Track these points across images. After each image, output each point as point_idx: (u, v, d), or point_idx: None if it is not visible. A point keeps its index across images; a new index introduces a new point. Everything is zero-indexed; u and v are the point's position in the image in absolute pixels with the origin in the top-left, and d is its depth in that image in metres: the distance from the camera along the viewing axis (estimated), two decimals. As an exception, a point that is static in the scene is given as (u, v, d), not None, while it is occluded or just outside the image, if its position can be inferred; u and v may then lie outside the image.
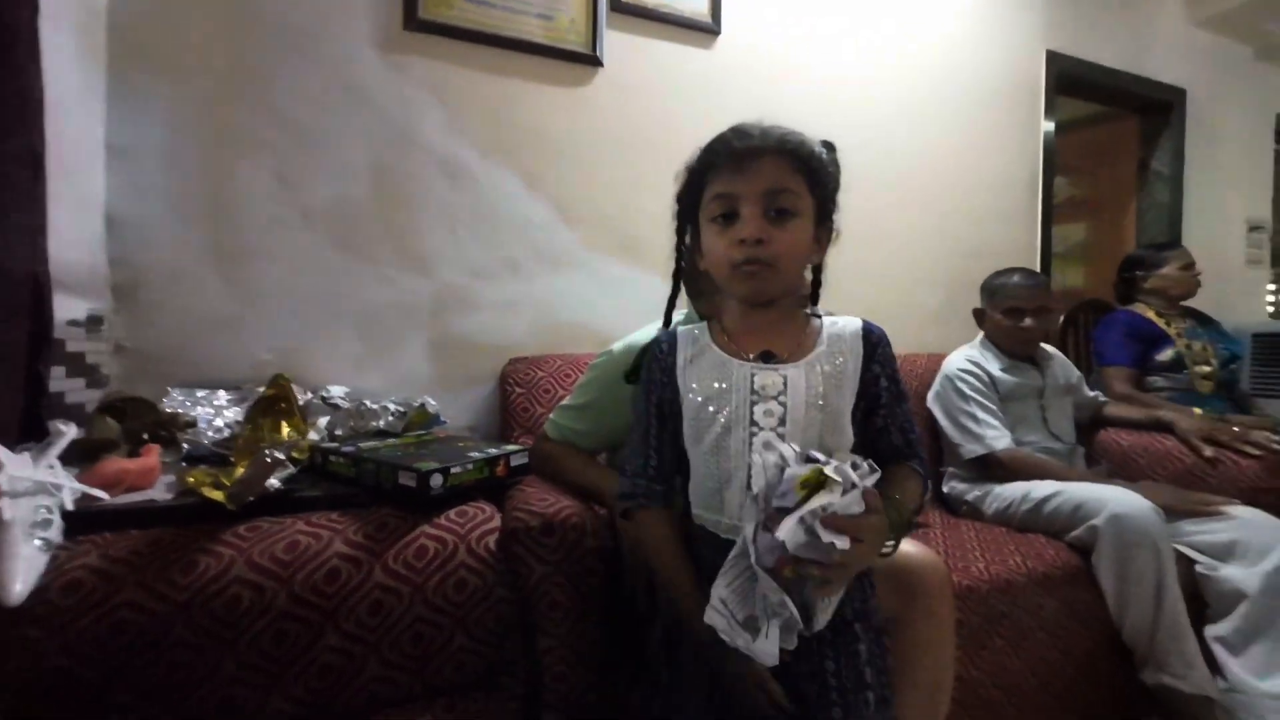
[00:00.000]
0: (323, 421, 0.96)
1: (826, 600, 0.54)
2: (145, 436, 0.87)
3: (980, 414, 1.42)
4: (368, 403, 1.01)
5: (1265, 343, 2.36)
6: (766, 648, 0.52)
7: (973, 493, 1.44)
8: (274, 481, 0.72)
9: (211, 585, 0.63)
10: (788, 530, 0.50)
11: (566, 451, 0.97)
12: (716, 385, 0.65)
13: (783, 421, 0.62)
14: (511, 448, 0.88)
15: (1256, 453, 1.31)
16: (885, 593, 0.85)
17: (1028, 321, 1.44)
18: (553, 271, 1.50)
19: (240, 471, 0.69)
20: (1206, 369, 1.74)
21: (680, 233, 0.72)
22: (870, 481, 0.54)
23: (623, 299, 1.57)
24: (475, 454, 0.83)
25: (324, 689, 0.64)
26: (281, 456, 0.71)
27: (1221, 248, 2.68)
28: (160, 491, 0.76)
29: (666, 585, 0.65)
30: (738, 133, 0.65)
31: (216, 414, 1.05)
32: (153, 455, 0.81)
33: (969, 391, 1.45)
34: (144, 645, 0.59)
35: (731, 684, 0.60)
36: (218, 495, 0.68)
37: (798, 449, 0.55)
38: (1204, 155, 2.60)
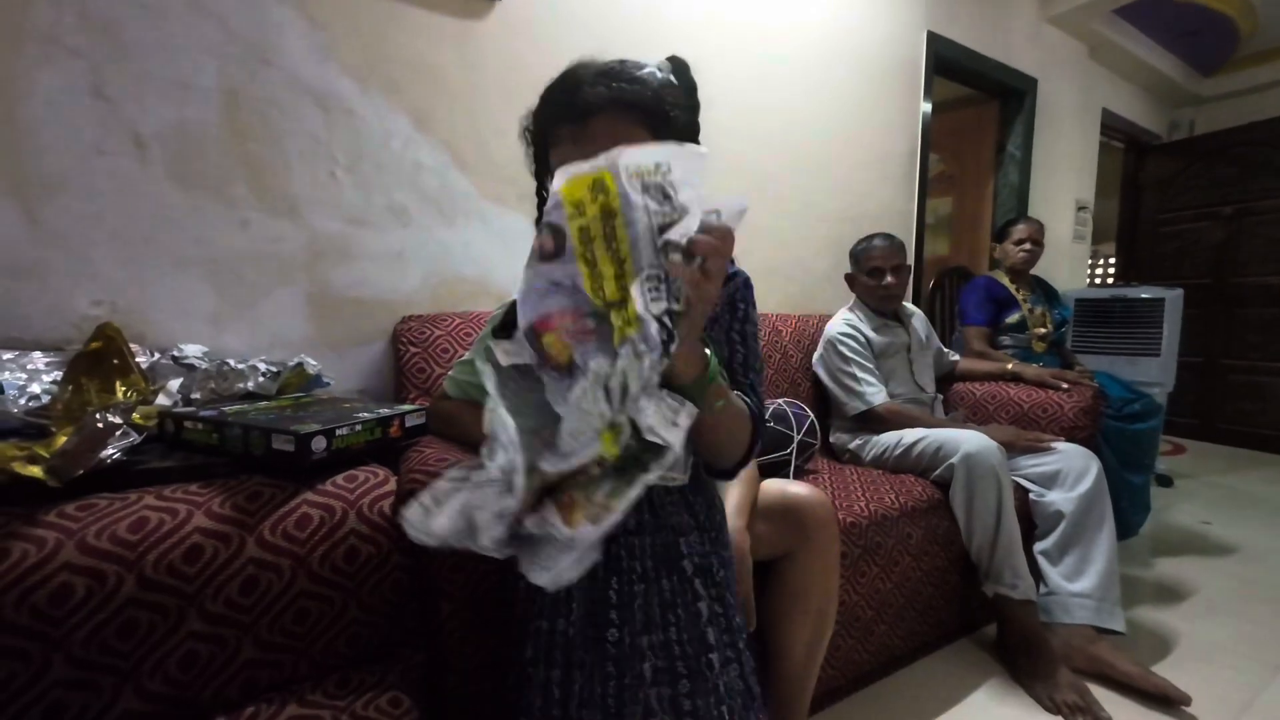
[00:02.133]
0: (174, 384, 0.82)
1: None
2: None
3: (860, 374, 1.55)
4: (232, 362, 0.88)
5: (1085, 307, 2.78)
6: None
7: (854, 441, 1.57)
8: (111, 451, 0.61)
9: (30, 576, 0.52)
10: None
11: (467, 408, 0.92)
12: None
13: None
14: (406, 407, 0.81)
15: (1075, 384, 1.63)
16: (778, 531, 0.92)
17: (889, 279, 1.58)
18: (446, 222, 1.39)
19: (62, 440, 0.58)
20: (1042, 331, 2.02)
21: (539, 177, 0.68)
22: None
23: (523, 253, 1.48)
24: (364, 414, 0.76)
25: (188, 680, 0.57)
26: (118, 421, 0.60)
27: (1056, 224, 3.08)
28: (-51, 471, 0.62)
29: None
30: (569, 81, 0.57)
31: (31, 379, 0.87)
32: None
33: (849, 353, 1.57)
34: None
35: None
36: (34, 471, 0.57)
37: None
38: (1048, 141, 2.95)
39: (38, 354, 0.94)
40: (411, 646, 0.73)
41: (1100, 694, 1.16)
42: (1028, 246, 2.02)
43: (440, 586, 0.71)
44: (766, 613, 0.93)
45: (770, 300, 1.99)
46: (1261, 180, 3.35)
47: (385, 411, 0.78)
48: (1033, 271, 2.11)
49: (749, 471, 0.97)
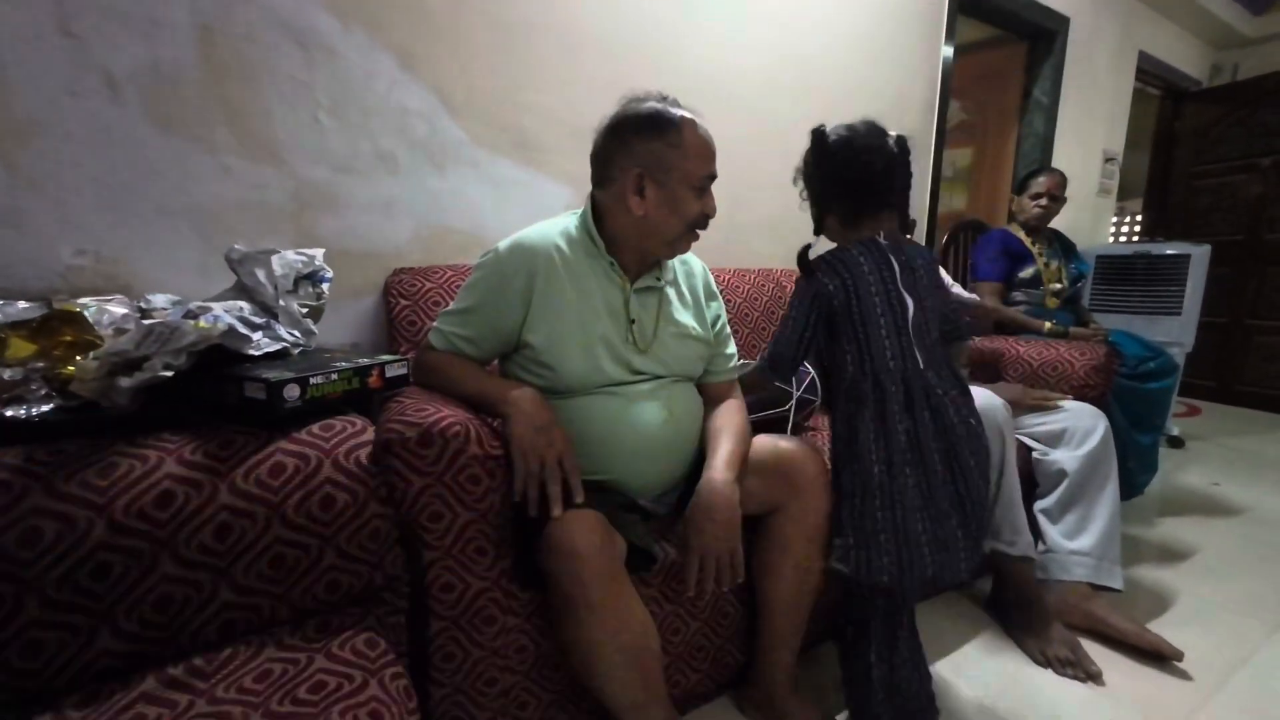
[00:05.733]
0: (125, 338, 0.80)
1: None
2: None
3: None
4: (197, 304, 0.86)
5: (1106, 263, 2.68)
6: None
7: (856, 398, 1.55)
8: (19, 412, 0.60)
9: (-3, 519, 0.52)
10: None
11: (453, 360, 0.90)
12: None
13: None
14: (386, 357, 0.80)
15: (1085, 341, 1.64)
16: (769, 485, 0.91)
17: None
18: (437, 170, 1.34)
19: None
20: (1057, 286, 1.95)
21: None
22: None
23: (518, 205, 1.45)
24: (342, 364, 0.74)
25: (165, 621, 0.58)
26: (16, 378, 0.58)
27: (1081, 176, 2.93)
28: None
29: None
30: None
31: (14, 328, 0.86)
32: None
33: None
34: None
35: None
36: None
37: None
38: (1078, 86, 2.78)
39: (22, 303, 0.93)
40: (396, 592, 0.73)
41: (1094, 650, 1.16)
42: (1044, 202, 1.92)
43: (421, 535, 0.71)
44: (755, 566, 0.92)
45: (778, 253, 1.93)
46: (1307, 129, 3.15)
47: (364, 361, 0.76)
48: (1052, 225, 2.02)
49: (742, 427, 0.95)
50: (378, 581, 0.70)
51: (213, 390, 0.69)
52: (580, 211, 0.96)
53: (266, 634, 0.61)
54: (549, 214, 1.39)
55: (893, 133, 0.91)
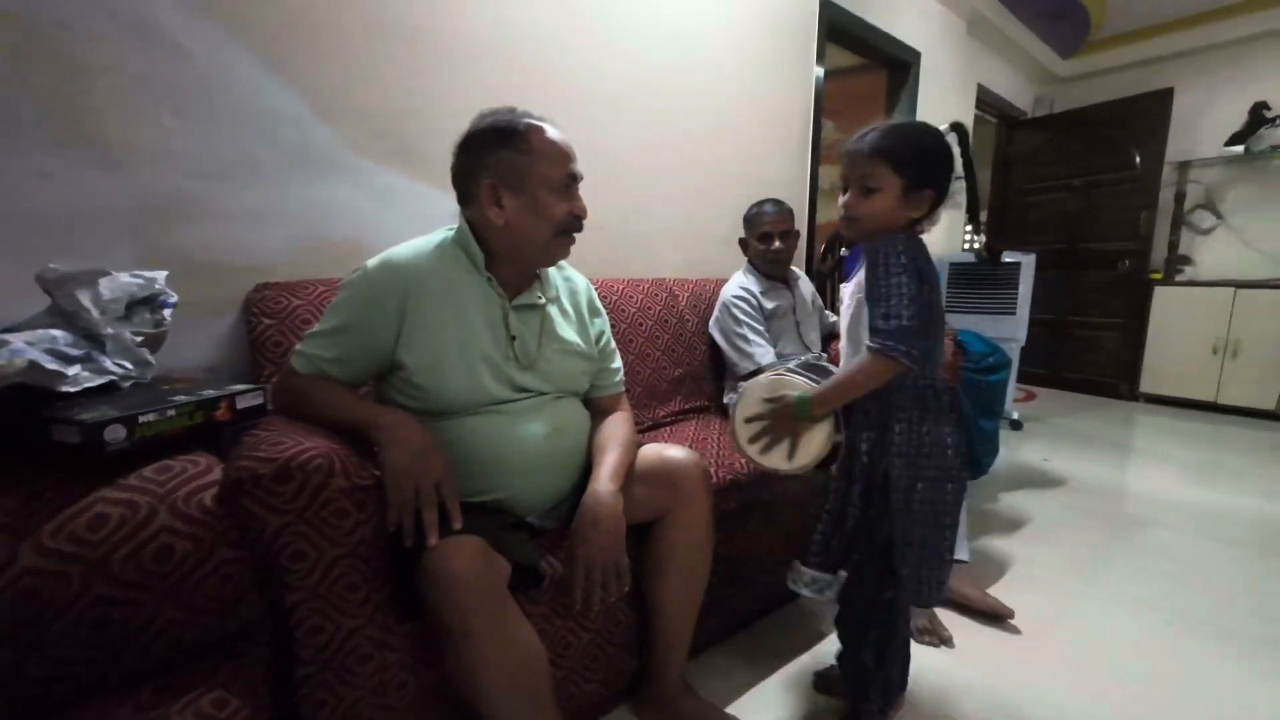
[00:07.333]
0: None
1: None
2: None
3: (750, 335, 1.60)
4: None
5: (958, 270, 3.03)
6: None
7: (744, 401, 1.64)
8: None
9: None
10: None
11: (319, 385, 0.85)
12: None
13: None
14: (238, 387, 0.74)
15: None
16: (655, 493, 0.94)
17: (776, 244, 1.64)
18: (311, 178, 1.26)
19: None
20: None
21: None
22: None
23: (402, 215, 1.39)
24: (183, 397, 0.68)
25: (-48, 708, 0.50)
26: None
27: (936, 192, 3.29)
28: None
29: None
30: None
31: None
32: None
33: (741, 316, 1.62)
34: None
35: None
36: None
37: None
38: (930, 112, 3.12)
39: None
40: (256, 641, 0.68)
41: (947, 617, 1.31)
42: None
43: (282, 578, 0.66)
44: (644, 572, 0.95)
45: (671, 261, 1.99)
46: (1102, 156, 3.76)
47: (209, 393, 0.70)
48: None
49: (628, 437, 0.98)
50: (233, 632, 0.65)
51: (17, 434, 0.61)
52: (455, 228, 0.94)
53: (86, 708, 0.54)
54: (437, 224, 1.35)
55: None
